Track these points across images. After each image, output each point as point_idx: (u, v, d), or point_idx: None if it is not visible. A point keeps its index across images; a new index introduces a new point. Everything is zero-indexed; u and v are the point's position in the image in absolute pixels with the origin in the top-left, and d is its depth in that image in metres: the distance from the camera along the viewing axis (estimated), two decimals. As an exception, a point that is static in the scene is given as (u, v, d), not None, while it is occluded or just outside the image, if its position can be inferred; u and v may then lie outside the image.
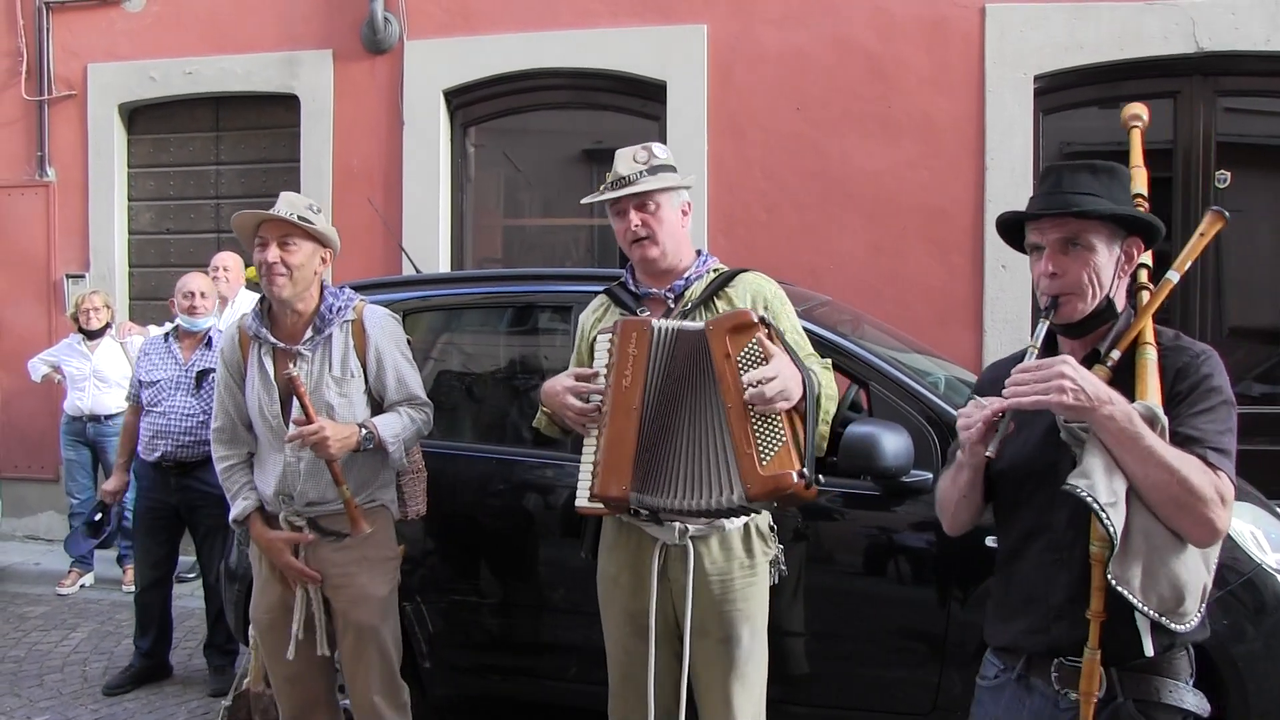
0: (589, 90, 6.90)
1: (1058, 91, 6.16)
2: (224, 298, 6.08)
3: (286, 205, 3.10)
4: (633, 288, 2.90)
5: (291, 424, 3.00)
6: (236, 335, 3.23)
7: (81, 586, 6.56)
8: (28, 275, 7.63)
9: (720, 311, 2.72)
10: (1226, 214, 2.07)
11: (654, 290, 2.85)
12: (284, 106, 7.26)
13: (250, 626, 3.41)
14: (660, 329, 2.61)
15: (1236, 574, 3.21)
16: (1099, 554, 1.88)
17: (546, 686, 3.90)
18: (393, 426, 3.14)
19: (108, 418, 6.37)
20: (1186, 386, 1.95)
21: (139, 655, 5.01)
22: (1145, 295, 2.06)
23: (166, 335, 5.04)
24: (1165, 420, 1.86)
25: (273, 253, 3.05)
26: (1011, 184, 6.02)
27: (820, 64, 6.32)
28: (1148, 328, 2.00)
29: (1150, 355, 1.95)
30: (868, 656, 3.49)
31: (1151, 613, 1.87)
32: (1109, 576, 1.85)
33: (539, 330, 4.48)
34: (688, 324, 2.62)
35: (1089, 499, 1.83)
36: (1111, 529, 1.82)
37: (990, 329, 6.05)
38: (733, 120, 6.41)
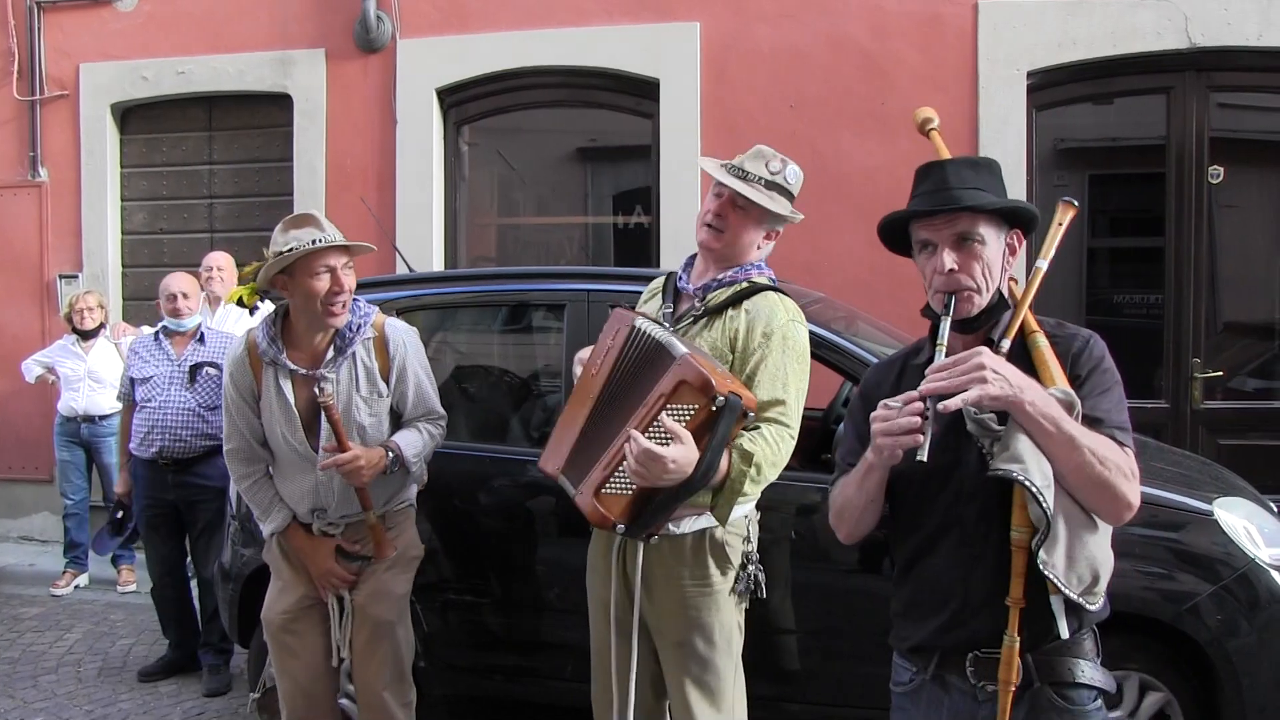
0: (582, 88, 6.89)
1: (1051, 88, 6.17)
2: (217, 297, 6.07)
3: (332, 230, 3.03)
4: (679, 280, 2.87)
5: (321, 450, 2.98)
6: (245, 357, 3.11)
7: (76, 587, 6.55)
8: (20, 276, 7.61)
9: (729, 324, 2.68)
10: (1075, 203, 2.15)
11: (688, 287, 2.83)
12: (277, 106, 7.25)
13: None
14: (638, 329, 2.59)
15: (1230, 569, 3.22)
16: (1020, 539, 1.90)
17: (543, 686, 3.89)
18: (414, 445, 3.13)
19: (102, 418, 6.36)
20: (1085, 371, 1.97)
21: (170, 647, 5.14)
22: (1014, 285, 2.12)
23: (156, 334, 5.05)
24: (1080, 405, 1.89)
25: (344, 279, 2.99)
26: (1004, 180, 6.00)
27: (814, 61, 6.32)
28: (1029, 316, 2.04)
29: (1043, 342, 1.99)
30: (860, 653, 3.49)
31: (1073, 595, 1.90)
32: (1039, 561, 1.87)
33: (533, 329, 4.48)
34: (666, 337, 2.54)
35: (1025, 481, 1.84)
36: (1048, 510, 1.84)
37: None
38: (727, 118, 6.40)
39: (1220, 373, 5.91)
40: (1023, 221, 2.05)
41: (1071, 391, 1.90)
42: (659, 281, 2.99)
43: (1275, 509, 3.63)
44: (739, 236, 2.77)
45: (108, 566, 6.61)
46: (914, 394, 1.87)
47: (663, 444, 2.36)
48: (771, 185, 2.77)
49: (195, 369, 4.85)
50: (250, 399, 3.11)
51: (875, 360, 3.59)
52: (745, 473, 2.49)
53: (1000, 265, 2.02)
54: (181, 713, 4.66)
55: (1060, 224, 2.13)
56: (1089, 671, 1.98)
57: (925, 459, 1.84)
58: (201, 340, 4.94)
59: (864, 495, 2.06)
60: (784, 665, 3.51)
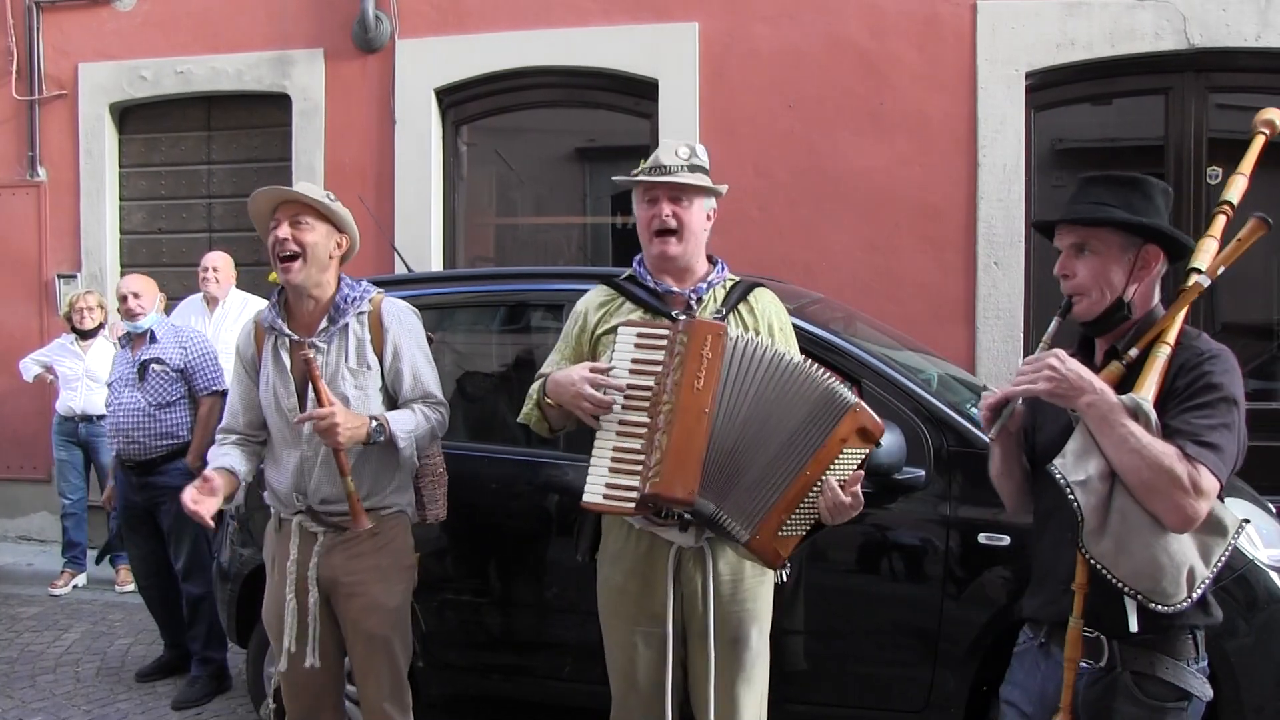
0: (581, 88, 6.89)
1: (1049, 88, 6.17)
2: (213, 298, 6.08)
3: (303, 188, 3.11)
4: (650, 283, 2.83)
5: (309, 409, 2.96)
6: (252, 329, 3.20)
7: (74, 587, 6.54)
8: (19, 275, 7.61)
9: (747, 320, 2.79)
10: (1269, 220, 2.19)
11: (675, 289, 2.80)
12: (275, 106, 7.25)
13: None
14: (740, 341, 2.60)
15: (1229, 569, 3.20)
16: (1080, 530, 2.04)
17: (540, 685, 3.90)
18: (405, 423, 3.04)
19: (100, 418, 6.32)
20: (1184, 383, 2.07)
21: (165, 648, 5.15)
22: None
23: (121, 338, 5.12)
24: (1151, 413, 1.99)
25: (284, 229, 3.03)
26: (1003, 180, 6.03)
27: (812, 61, 6.32)
28: (1171, 328, 2.12)
29: (1161, 353, 2.09)
30: (862, 654, 3.50)
31: (1125, 587, 2.00)
32: (1080, 548, 2.03)
33: (531, 329, 4.47)
34: (826, 377, 2.58)
35: (1059, 476, 2.03)
36: (1076, 504, 2.01)
37: (983, 325, 6.06)
38: (725, 118, 6.40)
39: (1219, 373, 5.89)
40: (1156, 238, 2.17)
41: (1142, 399, 2.01)
42: (600, 294, 2.91)
43: (1274, 510, 3.63)
44: (692, 231, 2.78)
45: (106, 567, 6.60)
46: (1005, 386, 2.18)
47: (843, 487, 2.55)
48: (693, 169, 2.78)
49: (144, 366, 4.84)
50: (252, 370, 3.18)
51: (873, 360, 3.61)
52: None
53: (1124, 276, 2.16)
54: (179, 713, 4.66)
55: (1241, 240, 2.18)
56: (1175, 671, 2.08)
57: (993, 437, 2.24)
58: (153, 339, 4.92)
59: (992, 468, 2.38)
60: (786, 667, 3.51)
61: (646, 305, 2.79)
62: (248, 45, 7.22)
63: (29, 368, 6.55)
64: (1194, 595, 2.01)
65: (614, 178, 3.00)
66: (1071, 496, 2.00)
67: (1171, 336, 2.11)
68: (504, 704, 4.17)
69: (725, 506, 2.57)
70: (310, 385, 2.93)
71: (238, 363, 3.22)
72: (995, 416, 2.20)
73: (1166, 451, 1.95)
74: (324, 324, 3.08)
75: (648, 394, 2.58)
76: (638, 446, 2.57)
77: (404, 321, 3.16)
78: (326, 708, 3.26)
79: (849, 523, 3.43)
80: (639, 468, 2.56)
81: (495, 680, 3.93)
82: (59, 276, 7.54)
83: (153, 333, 4.93)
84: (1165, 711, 2.07)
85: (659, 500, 2.55)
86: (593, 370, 2.63)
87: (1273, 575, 3.26)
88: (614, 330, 2.73)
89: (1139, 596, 2.00)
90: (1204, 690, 2.10)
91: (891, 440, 3.23)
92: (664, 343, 2.60)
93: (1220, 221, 2.25)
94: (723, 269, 2.89)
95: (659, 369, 2.59)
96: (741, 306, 2.80)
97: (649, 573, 2.75)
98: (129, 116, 7.65)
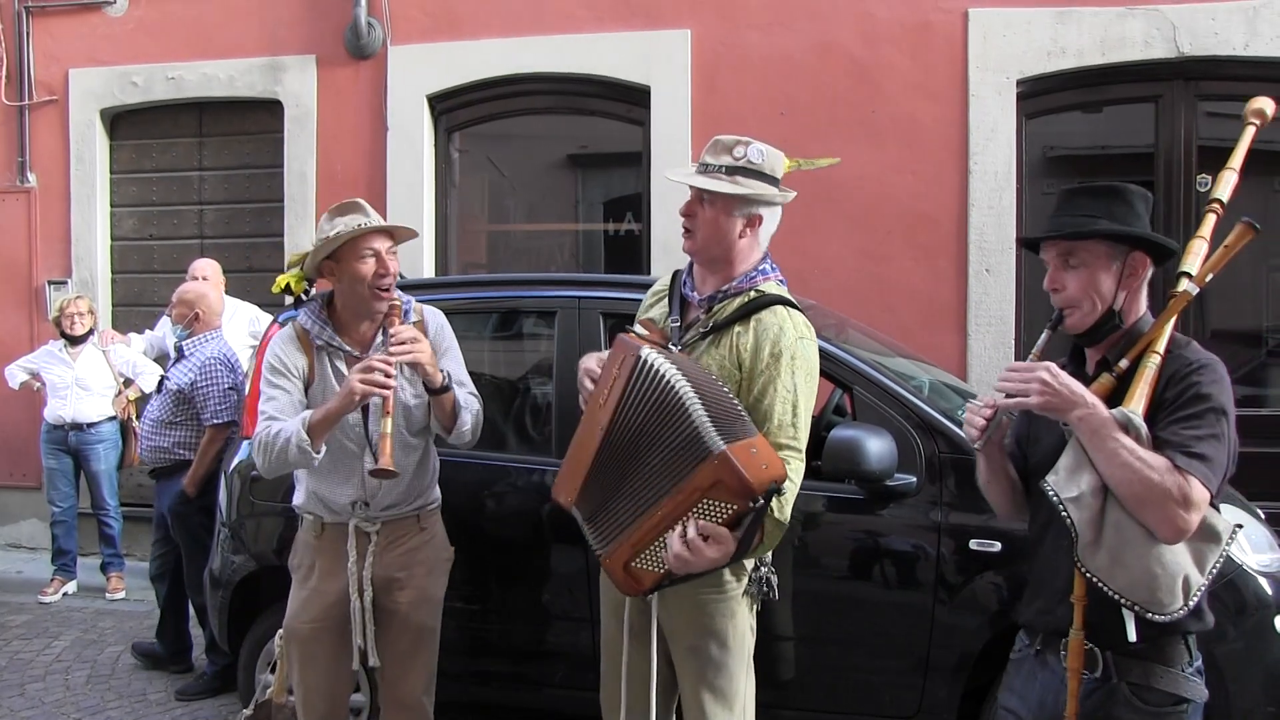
0: (573, 95, 6.91)
1: (1040, 96, 6.20)
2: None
3: (376, 216, 3.06)
4: (684, 285, 2.81)
5: (389, 348, 2.90)
6: (295, 338, 3.10)
7: (64, 594, 6.50)
8: (9, 282, 7.59)
9: (736, 342, 2.62)
10: (1257, 226, 2.18)
11: (694, 295, 2.76)
12: (267, 112, 7.24)
13: (280, 635, 3.37)
14: (644, 364, 2.48)
15: (1219, 575, 3.23)
16: (1075, 545, 2.05)
17: (534, 692, 3.90)
18: (462, 388, 3.14)
19: (90, 425, 6.34)
20: (1173, 394, 2.08)
21: (156, 640, 5.28)
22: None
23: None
24: (1141, 426, 2.00)
25: (394, 263, 3.04)
26: (994, 188, 6.05)
27: (804, 69, 6.34)
28: (1161, 337, 2.13)
29: (1151, 364, 2.10)
30: (854, 660, 3.50)
31: (1122, 599, 2.02)
32: (1075, 561, 2.05)
33: (524, 335, 4.48)
34: (698, 413, 2.38)
35: (1051, 492, 2.05)
36: (1069, 519, 2.03)
37: (974, 333, 6.08)
38: (717, 125, 6.40)
39: (1208, 380, 5.91)
40: (1144, 246, 2.19)
41: (1133, 413, 2.02)
42: (664, 282, 2.92)
43: (1263, 515, 3.64)
44: (711, 231, 2.69)
45: (96, 574, 6.59)
46: (992, 396, 2.18)
47: (702, 538, 2.39)
48: (735, 170, 2.67)
49: (162, 380, 5.11)
50: (301, 381, 3.07)
51: (864, 367, 3.62)
52: (776, 533, 2.54)
53: (1113, 286, 2.17)
54: (178, 705, 4.72)
55: (1228, 245, 2.17)
56: (1169, 678, 2.10)
57: (979, 446, 2.24)
58: (181, 355, 5.04)
59: (980, 476, 2.39)
60: (776, 673, 3.51)
61: (670, 306, 2.81)
62: (240, 51, 7.21)
63: (15, 374, 6.51)
64: (1190, 603, 2.03)
65: (665, 174, 2.93)
66: (1065, 513, 2.02)
67: (1161, 346, 2.12)
68: (498, 710, 4.16)
69: (593, 522, 2.62)
70: (384, 332, 2.98)
71: (281, 371, 3.06)
72: (985, 429, 2.20)
73: (1157, 465, 1.97)
74: (379, 339, 3.05)
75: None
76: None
77: (444, 327, 3.22)
78: (340, 715, 3.26)
79: (841, 528, 3.51)
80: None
81: (490, 687, 3.93)
82: (50, 283, 7.51)
83: (182, 349, 4.99)
84: (1165, 716, 2.09)
85: (554, 502, 2.73)
86: (599, 363, 2.69)
87: (1262, 581, 3.27)
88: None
89: (1136, 608, 2.01)
90: (1200, 693, 2.13)
91: (883, 447, 3.25)
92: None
93: (1210, 220, 2.25)
94: (753, 278, 2.73)
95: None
96: (739, 325, 2.64)
97: None
98: (120, 122, 7.63)
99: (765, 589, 2.77)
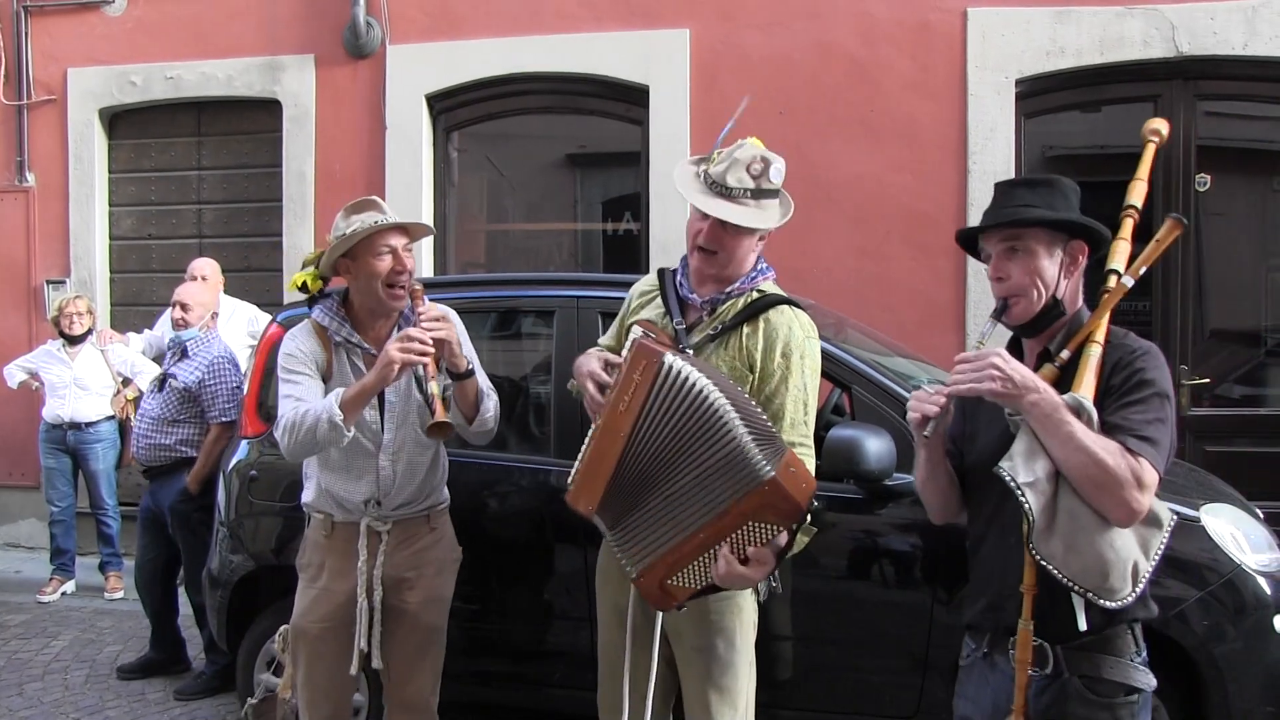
0: (572, 95, 6.90)
1: (1039, 95, 6.20)
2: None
3: (392, 214, 3.06)
4: (680, 285, 2.79)
5: (421, 323, 2.88)
6: (313, 332, 3.07)
7: (63, 594, 6.50)
8: (8, 281, 7.58)
9: (745, 343, 2.63)
10: (1184, 221, 2.22)
11: (694, 297, 2.74)
12: (266, 111, 7.24)
13: (288, 633, 3.34)
14: (670, 371, 2.41)
15: (1217, 575, 3.24)
16: (1029, 531, 2.06)
17: (531, 692, 3.90)
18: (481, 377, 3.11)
19: (88, 425, 6.33)
20: (1120, 380, 2.12)
21: (150, 646, 5.25)
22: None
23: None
24: (1093, 411, 2.03)
25: (409, 260, 3.05)
26: (993, 187, 6.03)
27: (803, 68, 6.34)
28: (1100, 327, 2.16)
29: (1094, 352, 2.13)
30: (852, 659, 3.50)
31: (1074, 586, 2.03)
32: (1029, 549, 2.05)
33: (522, 335, 4.47)
34: (742, 436, 2.34)
35: (1008, 478, 2.04)
36: (1025, 505, 2.02)
37: (973, 332, 6.06)
38: (716, 125, 6.33)
39: (1207, 380, 5.94)
40: (1080, 233, 2.22)
41: (1083, 397, 2.04)
42: (651, 281, 2.89)
43: (1261, 515, 3.64)
44: (734, 255, 2.68)
45: (95, 574, 6.59)
46: (939, 386, 2.17)
47: (743, 560, 2.42)
48: (760, 194, 2.66)
49: (164, 378, 5.02)
50: (320, 375, 3.05)
51: (863, 367, 3.62)
52: (804, 540, 2.58)
53: (1056, 274, 2.20)
54: (176, 704, 4.71)
55: (1159, 240, 2.19)
56: (1119, 669, 2.12)
57: (929, 436, 2.20)
58: (185, 354, 5.01)
59: (919, 474, 2.37)
60: (775, 673, 3.51)
61: (668, 307, 2.77)
62: (238, 51, 7.20)
63: (13, 374, 6.50)
64: (1138, 589, 2.06)
65: (675, 173, 2.77)
66: (1022, 498, 2.02)
67: (1101, 335, 2.15)
68: (496, 710, 4.16)
69: (617, 533, 2.58)
70: (405, 316, 3.02)
71: (302, 360, 3.03)
72: (937, 416, 2.18)
73: (1110, 448, 1.99)
74: (395, 335, 3.01)
75: (604, 403, 2.59)
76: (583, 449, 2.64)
77: (458, 321, 3.16)
78: (344, 716, 3.24)
79: (840, 528, 3.50)
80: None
81: (489, 687, 3.94)
82: (48, 282, 7.51)
83: (186, 347, 4.97)
84: (1117, 707, 2.12)
85: (573, 509, 2.62)
86: (603, 365, 2.65)
87: (1261, 581, 3.27)
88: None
89: (1088, 594, 2.03)
90: (1148, 682, 2.15)
91: (882, 446, 3.25)
92: (629, 350, 2.56)
93: (1128, 224, 2.30)
94: (754, 278, 2.75)
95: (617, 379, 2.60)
96: (747, 325, 2.65)
97: (611, 563, 2.79)
98: (119, 122, 7.62)
99: (772, 582, 2.76)
